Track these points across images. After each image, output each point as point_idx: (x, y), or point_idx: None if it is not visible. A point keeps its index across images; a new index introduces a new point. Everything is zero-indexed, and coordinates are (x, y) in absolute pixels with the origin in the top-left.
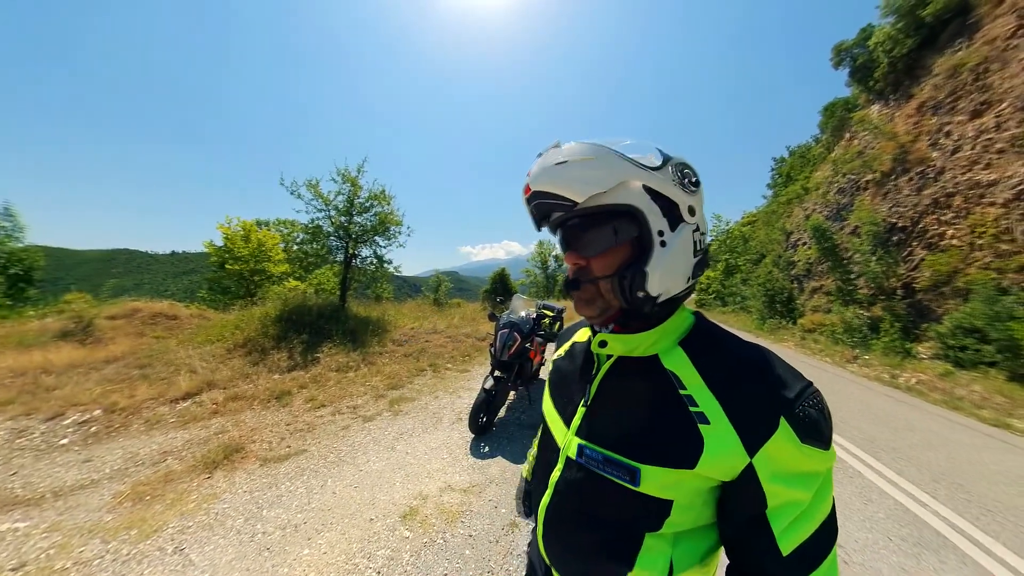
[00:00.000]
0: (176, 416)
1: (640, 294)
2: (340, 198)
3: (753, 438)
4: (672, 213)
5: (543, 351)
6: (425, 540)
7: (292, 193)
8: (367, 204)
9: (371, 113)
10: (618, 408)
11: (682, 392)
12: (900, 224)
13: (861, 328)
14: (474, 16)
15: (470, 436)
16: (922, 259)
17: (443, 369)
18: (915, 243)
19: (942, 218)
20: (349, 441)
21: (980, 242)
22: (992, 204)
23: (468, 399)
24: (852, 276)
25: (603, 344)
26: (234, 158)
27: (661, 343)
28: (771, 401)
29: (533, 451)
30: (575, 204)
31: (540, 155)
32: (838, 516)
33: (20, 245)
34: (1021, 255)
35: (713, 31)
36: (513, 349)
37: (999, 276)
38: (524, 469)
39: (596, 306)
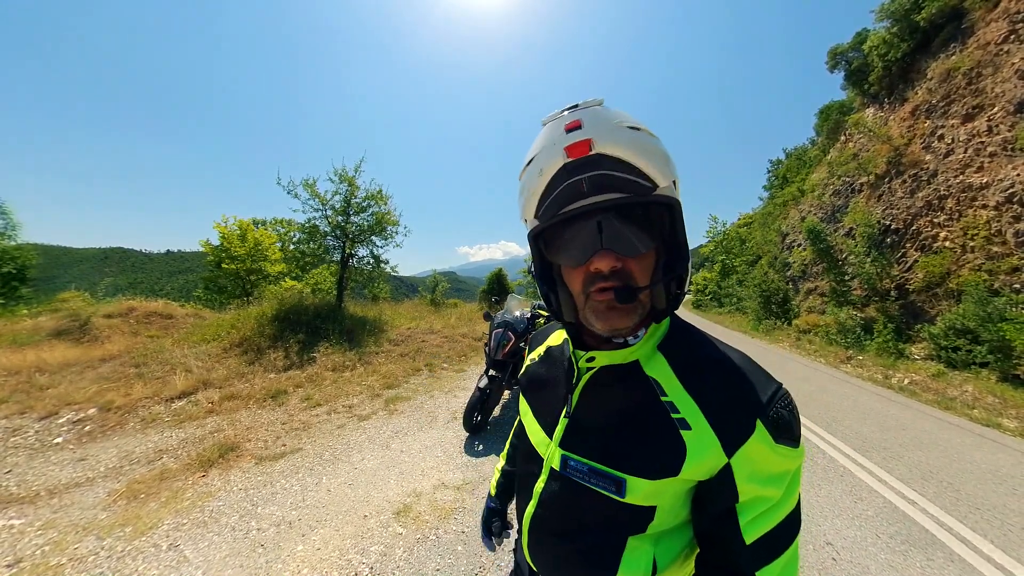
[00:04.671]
0: (172, 415)
1: (680, 294)
2: (337, 198)
3: (731, 440)
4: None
5: None
6: (418, 536)
7: (289, 192)
8: (364, 204)
9: (368, 113)
10: (601, 418)
11: (663, 399)
12: (894, 226)
13: (855, 329)
14: (470, 17)
15: (464, 435)
16: (915, 261)
17: (439, 369)
18: (908, 245)
19: (935, 220)
20: (344, 440)
21: (972, 244)
22: (984, 207)
23: (463, 398)
24: (846, 277)
25: (592, 359)
26: (231, 157)
27: (642, 349)
28: (748, 404)
29: (501, 465)
30: (653, 188)
31: (580, 107)
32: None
33: (13, 243)
34: (1012, 257)
35: (709, 33)
36: (507, 348)
37: (991, 278)
38: (491, 485)
39: (636, 315)
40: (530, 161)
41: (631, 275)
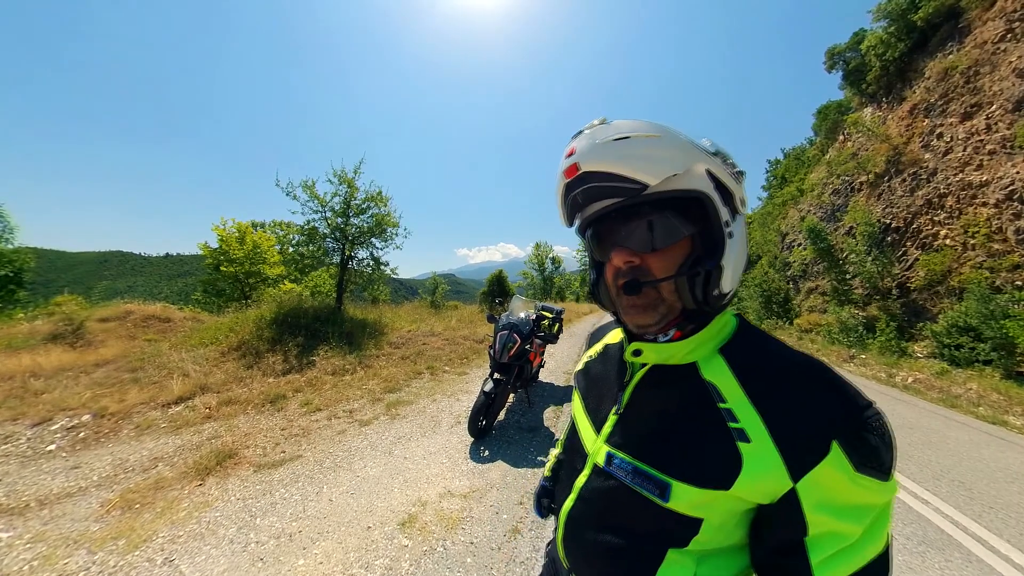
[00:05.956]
0: (168, 421)
1: (715, 292)
2: (336, 199)
3: (799, 462)
4: (730, 203)
5: (542, 352)
6: (425, 548)
7: (288, 194)
8: (364, 205)
9: (367, 115)
10: (652, 418)
11: (721, 406)
12: (894, 225)
13: (857, 328)
14: (470, 18)
15: (469, 440)
16: (916, 259)
17: (441, 372)
18: (909, 243)
19: (935, 218)
20: (345, 446)
21: (973, 242)
22: (984, 204)
23: (466, 402)
24: (847, 276)
25: (637, 353)
26: (230, 159)
27: (700, 350)
28: (823, 422)
29: (556, 451)
30: (643, 188)
31: (582, 132)
32: None
33: (10, 247)
34: (1013, 254)
35: (707, 34)
36: (513, 351)
37: (992, 275)
38: (546, 468)
39: (658, 312)
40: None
41: (648, 270)
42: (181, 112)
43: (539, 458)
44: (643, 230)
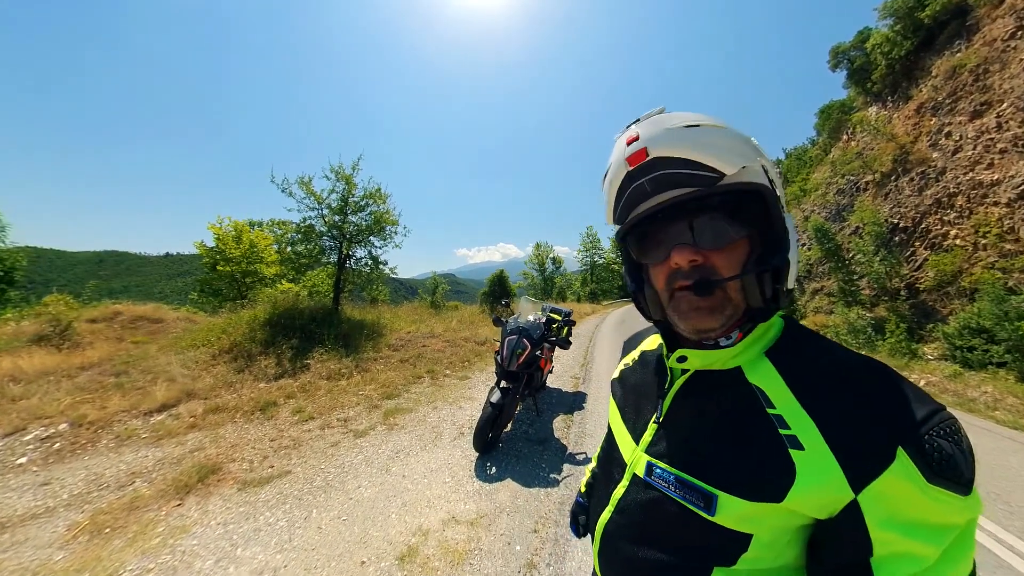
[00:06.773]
0: (150, 431)
1: (784, 288)
2: (334, 196)
3: (860, 471)
4: (780, 202)
5: (551, 357)
6: None
7: (283, 191)
8: (362, 203)
9: (366, 113)
10: (695, 427)
11: (770, 412)
12: (902, 224)
13: (865, 329)
14: (469, 19)
15: (474, 455)
16: (925, 259)
17: (441, 376)
18: (918, 243)
19: (945, 218)
20: (338, 461)
21: (984, 242)
22: (995, 204)
23: (470, 410)
24: (855, 277)
25: (682, 359)
26: (232, 158)
27: (745, 354)
28: (887, 426)
29: (592, 466)
30: (720, 177)
31: (641, 119)
32: None
33: (1, 244)
34: None
35: (707, 33)
36: (523, 358)
37: (1005, 276)
38: (581, 483)
39: (724, 314)
40: (605, 174)
41: (714, 269)
42: (182, 110)
43: (552, 475)
44: (715, 225)
